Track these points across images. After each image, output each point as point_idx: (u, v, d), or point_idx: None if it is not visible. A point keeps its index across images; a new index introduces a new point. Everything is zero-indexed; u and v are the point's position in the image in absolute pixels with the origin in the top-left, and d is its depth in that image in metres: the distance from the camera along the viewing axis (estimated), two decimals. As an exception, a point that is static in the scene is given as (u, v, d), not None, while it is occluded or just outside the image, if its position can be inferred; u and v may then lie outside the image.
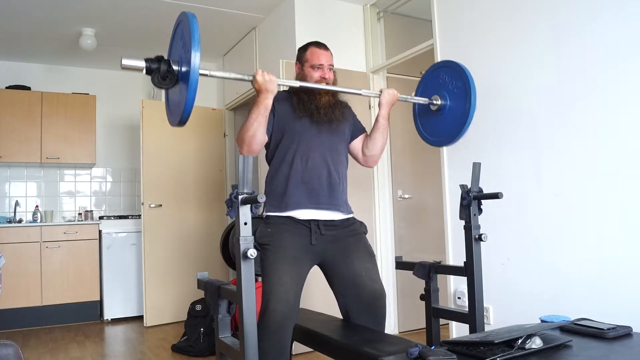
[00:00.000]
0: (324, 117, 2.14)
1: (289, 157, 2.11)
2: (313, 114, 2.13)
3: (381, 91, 2.33)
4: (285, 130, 2.14)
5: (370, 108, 3.86)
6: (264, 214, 2.12)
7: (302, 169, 2.09)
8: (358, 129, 2.37)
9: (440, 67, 2.71)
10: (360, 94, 2.36)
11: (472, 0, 2.84)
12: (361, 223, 2.25)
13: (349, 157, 2.35)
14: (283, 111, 2.15)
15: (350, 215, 2.21)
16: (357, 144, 2.35)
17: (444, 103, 2.61)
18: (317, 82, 2.17)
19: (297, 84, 2.13)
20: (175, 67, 1.69)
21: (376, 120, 2.31)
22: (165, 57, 1.76)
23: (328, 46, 2.29)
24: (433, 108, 2.67)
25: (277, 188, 2.10)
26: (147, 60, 1.65)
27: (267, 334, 1.83)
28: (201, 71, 1.67)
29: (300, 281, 2.00)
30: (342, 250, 2.07)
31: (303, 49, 2.27)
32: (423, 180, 4.02)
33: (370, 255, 2.12)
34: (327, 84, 2.19)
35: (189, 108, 1.59)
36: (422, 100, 2.67)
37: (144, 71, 1.65)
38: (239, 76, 1.95)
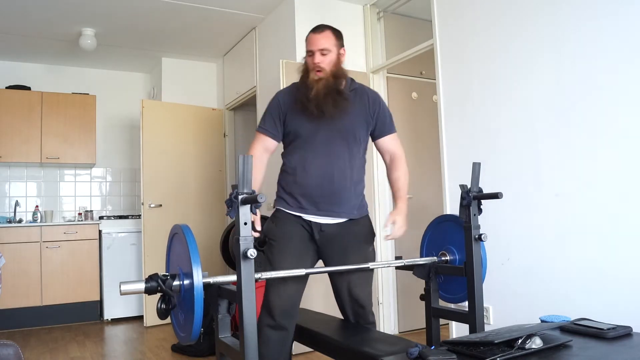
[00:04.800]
0: (316, 110, 1.95)
1: (292, 159, 2.07)
2: (306, 108, 1.97)
3: (394, 223, 2.00)
4: (290, 129, 2.05)
5: (370, 108, 3.86)
6: (274, 207, 2.14)
7: (300, 174, 2.02)
8: (382, 126, 2.12)
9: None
10: None
11: (472, 0, 2.84)
12: (369, 225, 2.16)
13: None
14: (287, 107, 2.07)
15: (359, 217, 2.11)
16: (382, 144, 2.15)
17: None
18: (311, 70, 2.00)
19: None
20: (176, 282, 1.52)
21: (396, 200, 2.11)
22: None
23: (337, 31, 2.07)
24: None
25: (284, 185, 2.11)
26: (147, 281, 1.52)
27: (268, 323, 1.92)
28: (204, 280, 1.50)
29: (301, 286, 2.01)
30: (339, 251, 2.06)
31: (307, 37, 2.11)
32: (423, 180, 4.01)
33: (366, 261, 2.03)
34: (318, 71, 1.98)
35: (198, 322, 1.46)
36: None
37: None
38: None
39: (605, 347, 1.39)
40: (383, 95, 3.92)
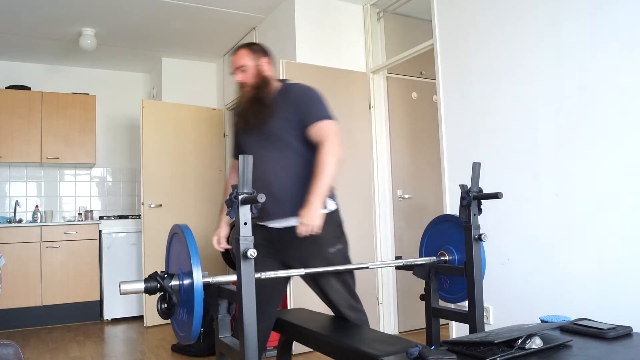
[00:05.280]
0: (243, 122, 2.11)
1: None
2: (239, 122, 2.15)
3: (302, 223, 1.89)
4: (242, 147, 2.20)
5: (370, 108, 3.87)
6: None
7: (257, 183, 2.10)
8: (306, 118, 2.05)
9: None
10: None
11: (472, 0, 2.84)
12: (328, 224, 2.01)
13: None
14: (238, 128, 2.23)
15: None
16: (309, 135, 2.05)
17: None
18: (239, 88, 2.15)
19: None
20: (175, 282, 1.52)
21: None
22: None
23: (254, 45, 2.20)
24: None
25: None
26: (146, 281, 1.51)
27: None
28: (204, 280, 1.50)
29: (269, 283, 2.01)
30: (299, 258, 2.03)
31: None
32: (423, 180, 4.02)
33: (329, 264, 1.99)
34: (244, 86, 2.11)
35: (197, 322, 1.46)
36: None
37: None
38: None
39: (605, 347, 1.39)
40: (383, 95, 3.92)
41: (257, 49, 2.18)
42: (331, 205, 2.11)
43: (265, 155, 2.05)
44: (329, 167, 1.94)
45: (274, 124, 2.06)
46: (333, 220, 2.09)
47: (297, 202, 1.97)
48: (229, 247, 2.26)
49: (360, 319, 2.12)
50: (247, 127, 2.11)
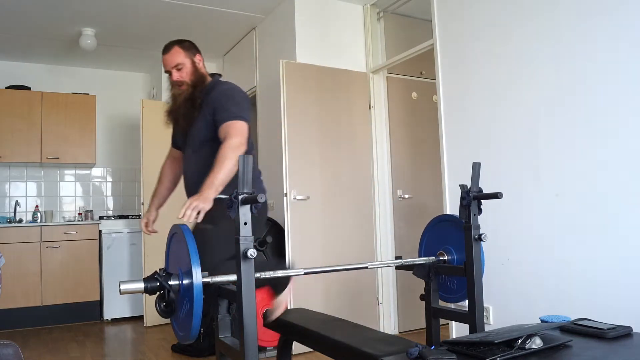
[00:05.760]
0: (173, 121, 2.17)
1: None
2: (171, 121, 2.21)
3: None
4: (173, 138, 2.30)
5: (370, 108, 3.87)
6: None
7: (183, 175, 2.23)
8: (217, 117, 2.05)
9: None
10: None
11: (472, 0, 2.84)
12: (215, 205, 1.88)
13: None
14: (169, 121, 2.27)
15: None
16: (218, 134, 2.05)
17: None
18: (174, 86, 2.16)
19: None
20: (175, 282, 1.52)
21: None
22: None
23: (185, 42, 2.17)
24: None
25: None
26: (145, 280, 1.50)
27: None
28: (203, 280, 1.49)
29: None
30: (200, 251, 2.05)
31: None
32: (423, 180, 4.02)
33: (202, 239, 1.84)
34: (180, 85, 2.12)
35: (197, 322, 1.46)
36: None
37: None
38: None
39: (605, 347, 1.39)
40: (383, 95, 3.92)
41: (189, 46, 2.18)
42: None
43: (188, 155, 2.15)
44: (227, 161, 1.88)
45: (196, 124, 2.11)
46: (218, 203, 1.90)
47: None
48: (156, 231, 2.32)
49: None
50: (176, 125, 2.17)
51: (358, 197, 3.74)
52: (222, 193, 1.93)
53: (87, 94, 5.08)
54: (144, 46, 4.78)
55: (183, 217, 1.77)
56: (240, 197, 1.43)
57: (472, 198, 1.84)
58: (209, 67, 5.45)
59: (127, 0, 3.79)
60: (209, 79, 2.19)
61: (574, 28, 2.28)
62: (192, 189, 2.08)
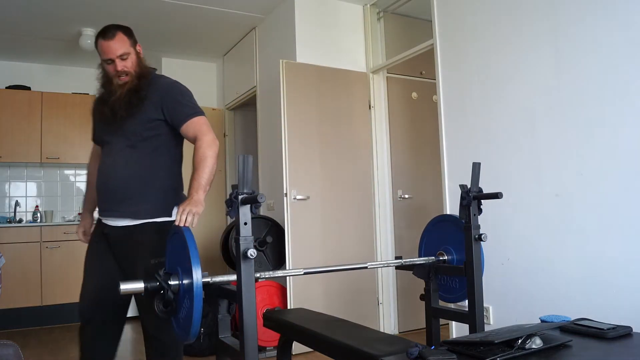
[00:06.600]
0: (110, 113, 1.94)
1: (99, 162, 2.09)
2: (105, 112, 1.97)
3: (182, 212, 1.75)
4: (95, 133, 2.12)
5: (370, 108, 3.87)
6: None
7: (98, 176, 2.03)
8: (174, 116, 1.98)
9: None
10: None
11: (472, 0, 2.84)
12: (159, 232, 1.92)
13: None
14: (95, 116, 2.12)
15: (142, 222, 1.95)
16: (183, 133, 2.01)
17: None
18: (114, 77, 1.96)
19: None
20: (175, 282, 1.51)
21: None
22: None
23: (127, 29, 2.03)
24: None
25: None
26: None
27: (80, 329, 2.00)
28: (204, 280, 1.48)
29: (106, 281, 2.01)
30: (130, 262, 1.98)
31: (95, 41, 2.02)
32: (423, 180, 4.02)
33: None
34: (125, 75, 1.95)
35: (197, 322, 1.45)
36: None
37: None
38: None
39: (605, 347, 1.39)
40: (383, 95, 3.92)
41: (131, 33, 2.04)
42: (172, 217, 2.00)
43: (119, 149, 1.97)
44: (209, 160, 1.89)
45: (138, 118, 1.96)
46: (166, 231, 1.90)
47: (136, 204, 1.94)
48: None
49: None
50: (113, 118, 1.95)
51: (358, 197, 3.74)
52: (157, 216, 1.96)
53: (87, 94, 5.08)
54: (144, 46, 4.73)
55: (180, 223, 1.71)
56: (240, 197, 1.43)
57: (472, 198, 1.84)
58: (209, 66, 5.47)
59: (127, 1, 3.79)
60: (151, 71, 2.08)
61: (575, 27, 2.28)
62: (123, 189, 1.94)
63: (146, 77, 2.00)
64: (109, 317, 2.06)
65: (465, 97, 2.89)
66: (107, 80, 2.01)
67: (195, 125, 1.97)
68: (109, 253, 2.05)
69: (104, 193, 2.01)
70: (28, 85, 4.94)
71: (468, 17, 2.87)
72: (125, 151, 1.97)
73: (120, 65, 1.94)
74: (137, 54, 2.03)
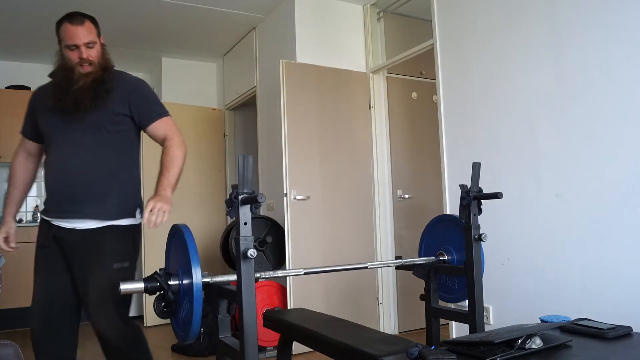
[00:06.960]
0: (73, 104, 1.83)
1: (45, 160, 1.97)
2: (66, 101, 1.84)
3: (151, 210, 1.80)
4: (41, 128, 1.95)
5: (370, 108, 3.87)
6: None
7: (49, 172, 1.91)
8: (142, 115, 1.95)
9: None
10: None
11: (472, 0, 2.84)
12: (122, 236, 1.90)
13: None
14: (39, 106, 1.97)
15: (105, 224, 1.87)
16: (150, 133, 1.99)
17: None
18: (76, 65, 1.85)
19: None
20: (174, 282, 1.52)
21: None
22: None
23: (94, 19, 1.93)
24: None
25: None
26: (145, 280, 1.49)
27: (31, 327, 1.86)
28: (204, 280, 1.49)
29: (57, 291, 1.87)
30: (81, 266, 1.86)
31: (57, 25, 1.90)
32: (423, 180, 4.02)
33: (109, 283, 1.79)
34: (89, 64, 1.85)
35: (197, 322, 1.46)
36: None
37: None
38: None
39: (605, 347, 1.39)
40: (383, 95, 3.92)
41: (97, 23, 1.95)
42: (135, 219, 1.97)
43: (76, 144, 1.86)
44: (178, 160, 1.90)
45: (102, 113, 1.87)
46: (129, 235, 1.94)
47: (100, 205, 1.85)
48: (18, 246, 2.11)
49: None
50: (74, 110, 1.83)
51: (358, 197, 3.74)
52: (118, 217, 1.88)
53: (87, 94, 5.08)
54: (144, 46, 4.78)
55: (150, 224, 1.73)
56: (240, 197, 1.43)
57: (472, 198, 1.84)
58: (209, 66, 5.47)
59: (127, 0, 3.79)
60: (114, 65, 2.01)
61: (575, 28, 2.28)
62: (82, 188, 1.84)
63: (109, 70, 1.94)
64: (61, 326, 1.96)
65: (466, 97, 2.89)
66: (67, 68, 1.89)
67: (165, 125, 1.97)
68: (60, 259, 1.90)
69: (59, 192, 1.88)
70: (28, 85, 4.94)
71: (468, 17, 2.87)
72: (86, 146, 1.86)
73: (85, 52, 1.86)
74: (102, 45, 1.97)
